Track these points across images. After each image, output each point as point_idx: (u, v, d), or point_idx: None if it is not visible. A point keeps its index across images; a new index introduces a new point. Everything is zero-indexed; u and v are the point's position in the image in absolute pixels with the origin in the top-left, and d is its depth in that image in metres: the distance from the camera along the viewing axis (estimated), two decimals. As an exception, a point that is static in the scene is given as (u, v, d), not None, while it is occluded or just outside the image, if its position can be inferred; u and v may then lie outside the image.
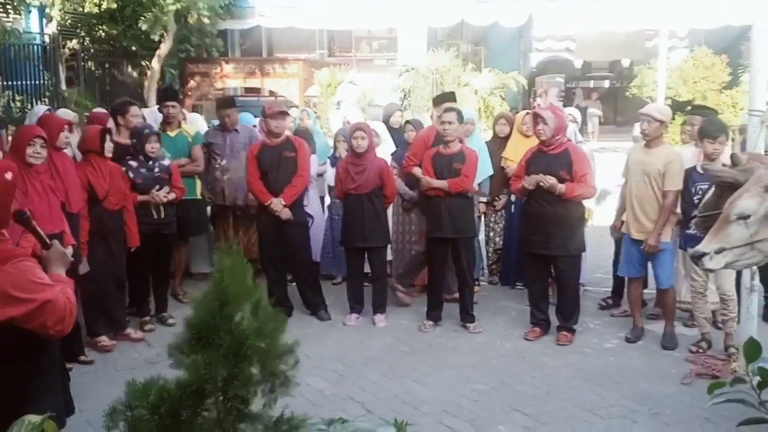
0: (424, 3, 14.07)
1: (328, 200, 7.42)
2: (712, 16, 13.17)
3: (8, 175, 2.61)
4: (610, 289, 6.72)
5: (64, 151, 5.25)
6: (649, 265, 5.76)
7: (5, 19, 10.60)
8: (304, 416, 1.95)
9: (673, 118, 12.82)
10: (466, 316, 6.11)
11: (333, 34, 17.51)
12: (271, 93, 14.99)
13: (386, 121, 7.59)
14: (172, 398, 1.78)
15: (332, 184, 7.10)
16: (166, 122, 6.80)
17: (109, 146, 5.49)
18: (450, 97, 6.63)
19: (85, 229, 5.30)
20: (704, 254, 3.39)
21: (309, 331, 6.03)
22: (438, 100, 6.63)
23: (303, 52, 17.19)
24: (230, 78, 14.72)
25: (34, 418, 1.75)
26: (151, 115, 7.23)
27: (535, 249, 5.69)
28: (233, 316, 1.79)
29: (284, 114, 6.36)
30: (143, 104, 11.30)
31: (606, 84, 23.90)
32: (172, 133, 6.75)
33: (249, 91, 14.69)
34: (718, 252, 3.37)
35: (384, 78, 14.43)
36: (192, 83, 14.13)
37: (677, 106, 13.87)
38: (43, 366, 2.72)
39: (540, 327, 5.87)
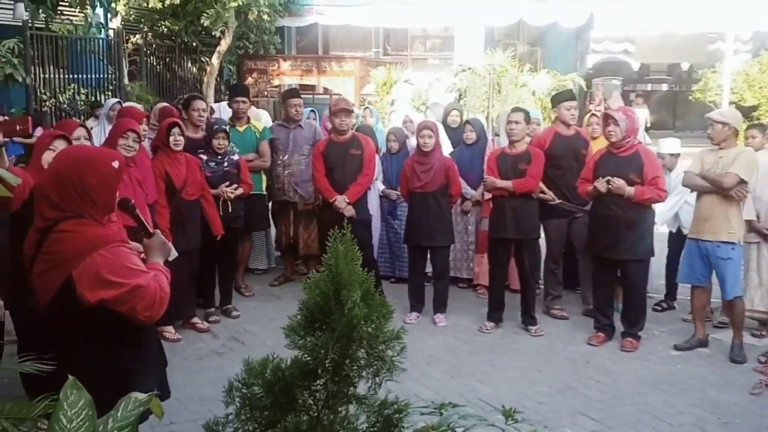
0: (482, 2, 14.00)
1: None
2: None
3: (115, 164, 2.69)
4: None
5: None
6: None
7: (71, 14, 10.86)
8: (407, 401, 1.99)
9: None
10: (528, 319, 6.08)
11: (389, 32, 17.57)
12: (326, 90, 15.12)
13: (443, 121, 7.59)
14: (286, 377, 1.83)
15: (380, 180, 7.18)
16: (236, 117, 6.91)
17: (176, 140, 5.58)
18: (568, 95, 6.57)
19: (166, 218, 5.44)
20: None
21: (370, 328, 6.05)
22: (557, 99, 6.57)
23: (358, 50, 17.29)
24: (287, 75, 14.86)
25: (141, 396, 1.81)
26: (221, 110, 7.35)
27: (603, 252, 5.62)
28: (346, 301, 1.83)
29: (348, 111, 6.41)
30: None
31: (664, 87, 23.57)
32: (240, 128, 6.86)
33: (304, 88, 14.80)
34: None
35: (439, 77, 14.40)
36: (249, 80, 14.30)
37: (742, 112, 13.58)
38: (145, 347, 2.80)
39: (604, 332, 5.80)
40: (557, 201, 6.27)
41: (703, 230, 5.42)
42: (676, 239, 6.50)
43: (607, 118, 5.50)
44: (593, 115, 6.86)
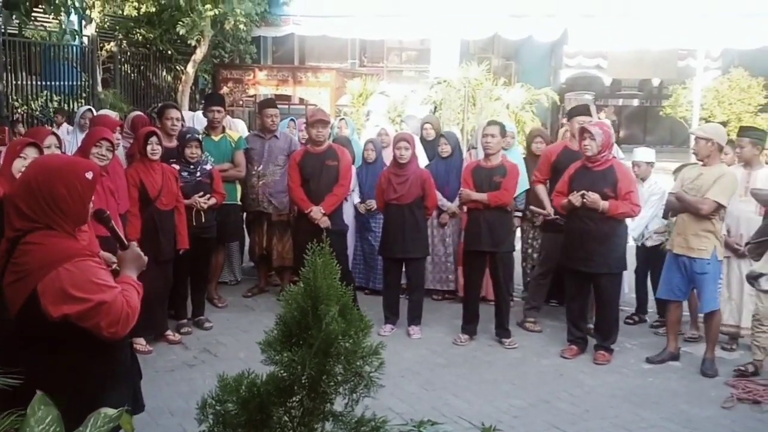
0: (458, 15, 14.09)
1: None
2: (748, 37, 13.09)
3: (89, 174, 2.63)
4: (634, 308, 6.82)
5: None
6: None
7: (44, 20, 10.74)
8: (384, 418, 1.97)
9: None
10: (502, 331, 6.09)
11: (365, 44, 17.62)
12: (301, 101, 15.09)
13: (419, 133, 7.61)
14: (261, 394, 1.81)
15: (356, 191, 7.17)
16: (211, 126, 6.86)
17: (153, 149, 5.53)
18: (583, 110, 6.41)
19: (137, 228, 5.37)
20: (762, 275, 3.37)
21: (345, 340, 6.03)
22: (572, 113, 6.46)
23: (334, 61, 17.31)
24: (262, 85, 14.81)
25: (111, 411, 1.77)
26: (195, 119, 7.30)
27: (576, 266, 5.65)
28: (324, 315, 1.81)
29: (325, 122, 6.40)
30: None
31: (635, 102, 23.89)
32: (216, 138, 6.81)
33: (280, 98, 14.76)
34: (776, 273, 3.35)
35: (415, 90, 14.45)
36: (225, 89, 14.22)
37: (711, 128, 13.82)
38: (117, 360, 2.74)
39: (577, 345, 5.83)
40: (552, 216, 6.28)
41: (679, 245, 5.46)
42: (643, 252, 6.59)
43: (583, 132, 5.54)
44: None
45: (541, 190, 6.38)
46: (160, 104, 13.05)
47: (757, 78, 13.39)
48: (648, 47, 14.68)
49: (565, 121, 13.42)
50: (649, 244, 6.49)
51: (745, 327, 5.72)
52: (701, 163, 5.46)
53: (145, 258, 2.86)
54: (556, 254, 6.35)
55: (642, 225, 6.44)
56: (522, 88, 13.88)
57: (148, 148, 5.51)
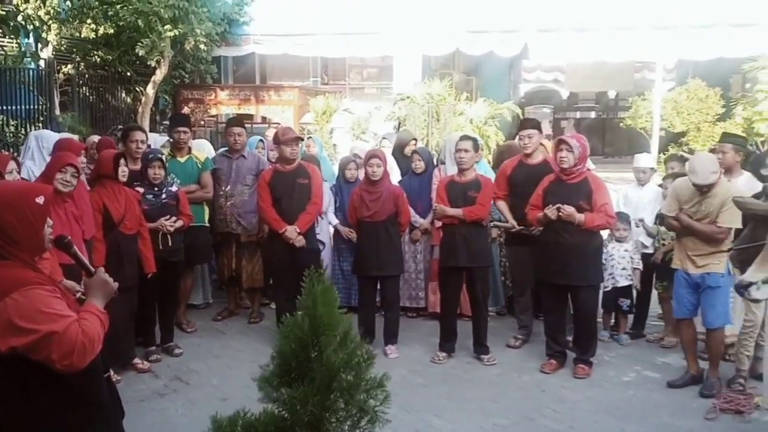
0: (420, 32, 14.10)
1: (331, 229, 7.32)
2: (702, 48, 13.31)
3: (40, 199, 2.50)
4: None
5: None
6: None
7: (2, 43, 10.46)
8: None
9: (667, 150, 13.02)
10: (480, 348, 6.02)
11: (327, 61, 17.52)
12: (264, 119, 14.93)
13: (401, 150, 7.54)
14: (260, 436, 1.69)
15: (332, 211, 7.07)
16: (176, 147, 6.71)
17: (123, 171, 5.40)
18: (534, 123, 6.42)
19: (102, 253, 5.19)
20: (751, 284, 3.34)
21: (321, 362, 5.90)
22: (522, 126, 6.45)
23: (296, 79, 17.18)
24: (224, 104, 14.59)
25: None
26: (155, 142, 7.14)
27: (553, 279, 5.61)
28: (326, 347, 1.70)
29: (299, 140, 6.30)
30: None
31: (592, 115, 24.20)
32: (181, 159, 6.66)
33: (242, 117, 14.58)
34: (766, 282, 3.32)
35: (378, 106, 14.40)
36: (186, 109, 13.95)
37: (671, 138, 14.01)
38: (89, 398, 2.57)
39: (556, 359, 5.78)
40: (517, 228, 6.24)
41: (692, 264, 5.26)
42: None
43: (560, 144, 5.51)
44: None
45: (502, 205, 6.31)
46: (120, 126, 12.90)
47: (714, 88, 13.60)
48: (605, 60, 14.82)
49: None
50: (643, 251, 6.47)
51: (728, 335, 5.71)
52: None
53: (114, 284, 2.71)
54: (525, 266, 6.33)
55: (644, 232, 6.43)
56: (484, 102, 13.93)
57: (119, 170, 5.35)
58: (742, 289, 3.38)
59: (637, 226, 6.43)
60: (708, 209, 5.14)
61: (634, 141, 19.62)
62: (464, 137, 6.05)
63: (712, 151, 6.21)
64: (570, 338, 5.98)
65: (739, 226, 4.83)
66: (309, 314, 1.71)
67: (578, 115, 24.15)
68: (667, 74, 15.73)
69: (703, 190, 5.12)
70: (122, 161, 5.43)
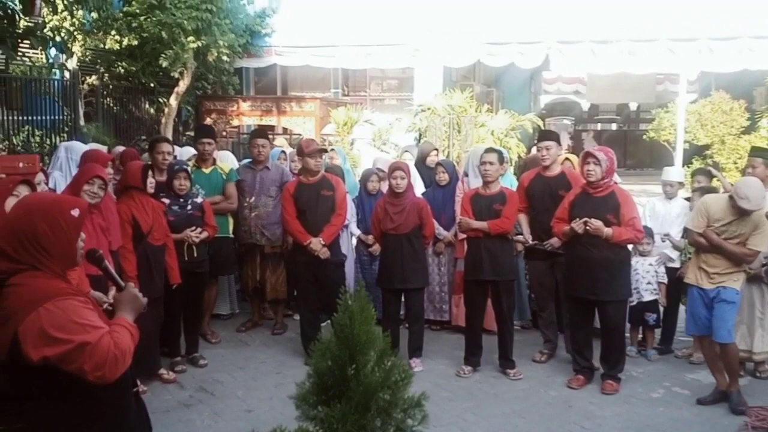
0: (441, 44, 14.10)
1: (353, 240, 7.30)
2: (725, 61, 13.20)
3: (75, 212, 2.50)
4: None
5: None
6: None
7: (29, 55, 10.58)
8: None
9: (691, 163, 12.90)
10: (506, 362, 5.96)
11: (347, 73, 17.57)
12: (285, 130, 14.97)
13: (422, 161, 7.52)
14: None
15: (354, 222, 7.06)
16: (201, 159, 6.74)
17: (150, 182, 5.43)
18: (552, 135, 6.40)
19: (133, 263, 5.22)
20: None
21: (345, 375, 5.88)
22: (541, 137, 6.44)
23: (317, 90, 17.24)
24: (246, 115, 14.65)
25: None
26: (183, 152, 7.17)
27: (581, 293, 5.54)
28: (363, 365, 1.67)
29: (322, 152, 6.29)
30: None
31: (613, 127, 24.08)
32: (206, 170, 6.68)
33: (263, 129, 14.64)
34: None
35: (399, 118, 14.41)
36: (208, 120, 14.03)
37: (695, 151, 13.89)
38: (120, 412, 2.55)
39: (584, 375, 5.71)
40: (532, 242, 6.20)
41: (706, 280, 5.21)
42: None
43: (587, 157, 5.45)
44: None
45: (522, 218, 6.24)
46: (143, 137, 13.00)
47: (738, 100, 13.47)
48: (626, 72, 14.73)
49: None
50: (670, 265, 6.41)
51: (758, 352, 5.61)
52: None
53: (144, 299, 2.71)
54: (545, 280, 6.27)
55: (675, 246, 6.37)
56: (506, 114, 13.89)
57: (148, 181, 5.38)
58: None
59: (663, 241, 6.36)
60: (740, 230, 5.06)
61: (656, 153, 19.53)
62: (489, 150, 6.01)
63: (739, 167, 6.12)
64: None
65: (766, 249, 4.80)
66: (346, 332, 1.67)
67: (599, 126, 24.09)
68: (689, 86, 15.62)
69: (744, 213, 5.03)
70: (150, 173, 5.45)
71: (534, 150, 6.57)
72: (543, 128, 16.39)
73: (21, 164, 3.69)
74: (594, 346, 5.79)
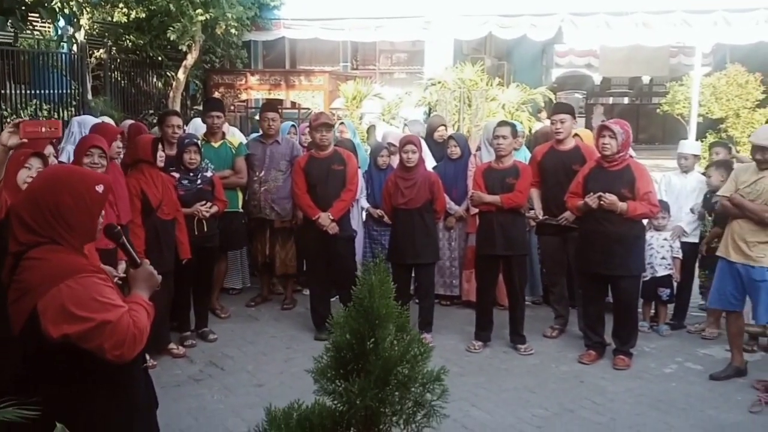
0: (452, 16, 13.93)
1: (363, 215, 7.25)
2: (740, 33, 12.99)
3: (99, 188, 2.46)
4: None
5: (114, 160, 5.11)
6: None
7: (39, 27, 10.50)
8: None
9: (705, 137, 12.75)
10: (517, 337, 5.93)
11: (357, 46, 17.40)
12: (293, 105, 14.88)
13: (430, 135, 7.44)
14: (315, 428, 1.62)
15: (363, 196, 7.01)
16: (210, 132, 6.67)
17: (161, 155, 5.38)
18: (567, 108, 6.29)
19: (141, 238, 5.18)
20: None
21: (355, 350, 5.86)
22: (555, 110, 6.32)
23: (326, 64, 17.08)
24: (254, 89, 14.54)
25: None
26: (193, 126, 7.11)
27: (594, 268, 5.48)
28: (382, 339, 1.63)
29: (330, 125, 6.21)
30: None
31: (625, 101, 23.86)
32: (215, 144, 6.62)
33: (275, 102, 14.55)
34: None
35: (409, 92, 14.28)
36: (216, 94, 13.94)
37: (709, 124, 13.73)
38: (130, 389, 2.53)
39: (595, 350, 5.67)
40: (542, 217, 6.13)
41: (736, 252, 5.11)
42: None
43: (603, 130, 5.36)
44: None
45: (534, 193, 6.15)
46: (151, 111, 12.94)
47: (754, 74, 13.27)
48: (640, 44, 14.53)
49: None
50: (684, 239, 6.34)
51: (771, 326, 5.56)
52: (761, 167, 5.05)
53: (159, 277, 2.67)
54: (557, 256, 6.22)
55: (693, 222, 6.31)
56: (517, 88, 13.75)
57: (158, 155, 5.33)
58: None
59: (693, 212, 6.27)
60: (762, 188, 4.97)
61: (668, 127, 19.34)
62: (502, 123, 5.93)
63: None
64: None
65: None
66: (365, 305, 1.63)
67: (611, 100, 23.86)
68: (704, 59, 15.41)
69: (761, 164, 4.97)
70: (160, 146, 5.40)
71: (549, 123, 6.45)
72: (554, 102, 16.30)
73: (44, 129, 3.62)
74: (606, 321, 5.76)
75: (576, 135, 6.40)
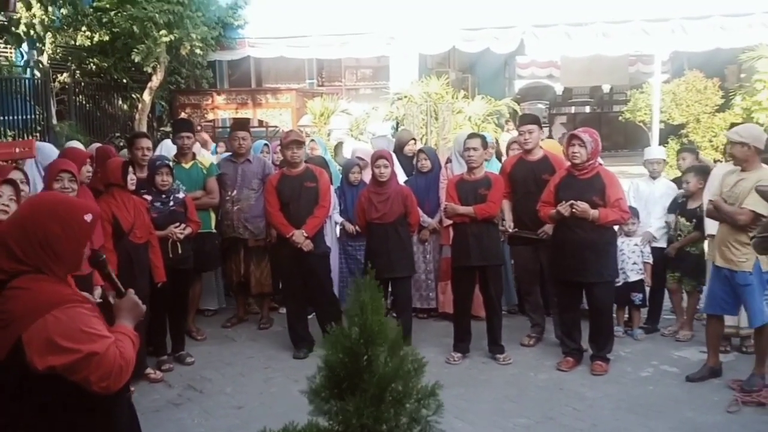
0: (416, 31, 14.05)
1: (337, 230, 7.26)
2: (697, 40, 13.29)
3: (88, 217, 2.43)
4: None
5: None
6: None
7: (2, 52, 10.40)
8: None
9: (667, 143, 12.99)
10: (495, 347, 5.97)
11: (322, 63, 17.46)
12: (261, 123, 14.87)
13: (400, 150, 7.48)
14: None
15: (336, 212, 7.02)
16: (180, 153, 6.63)
17: (131, 179, 5.33)
18: (533, 118, 6.36)
19: (113, 263, 5.09)
20: None
21: (335, 366, 5.85)
22: (522, 121, 6.38)
23: (292, 82, 17.13)
24: (221, 109, 14.55)
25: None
26: (164, 147, 7.06)
27: (569, 276, 5.55)
28: (376, 356, 1.64)
29: (300, 143, 6.21)
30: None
31: (587, 109, 24.24)
32: (186, 165, 6.58)
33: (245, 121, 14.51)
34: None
35: (376, 107, 14.36)
36: (183, 115, 13.91)
37: (671, 130, 14.00)
38: (115, 419, 2.50)
39: (573, 357, 5.73)
40: (513, 230, 6.20)
41: (721, 256, 5.15)
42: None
43: (572, 139, 5.45)
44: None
45: (505, 204, 6.21)
46: (117, 134, 12.83)
47: (712, 79, 13.59)
48: (600, 54, 14.80)
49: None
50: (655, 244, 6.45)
51: (744, 327, 5.66)
52: (740, 168, 5.12)
53: (143, 306, 2.65)
54: (530, 265, 6.28)
55: (661, 225, 6.41)
56: (482, 100, 13.90)
57: (129, 178, 5.28)
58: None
59: (669, 226, 6.37)
60: (739, 191, 5.03)
61: (630, 134, 19.69)
62: (473, 135, 5.99)
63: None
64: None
65: (765, 212, 4.74)
66: (358, 323, 1.64)
67: (573, 110, 24.24)
68: (662, 66, 15.74)
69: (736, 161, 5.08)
70: (130, 169, 5.36)
71: (516, 134, 6.52)
72: (518, 113, 16.47)
73: (17, 149, 3.57)
74: (582, 327, 5.83)
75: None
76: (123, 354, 2.33)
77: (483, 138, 6.00)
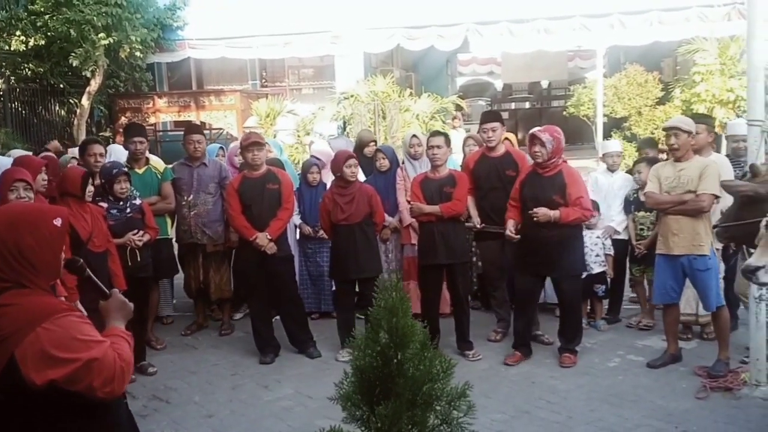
0: (360, 30, 14.01)
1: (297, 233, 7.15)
2: (634, 35, 13.62)
3: (57, 221, 2.32)
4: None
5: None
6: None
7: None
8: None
9: (611, 136, 13.25)
10: (464, 344, 5.96)
11: (265, 63, 17.24)
12: (205, 125, 14.60)
13: (360, 150, 7.41)
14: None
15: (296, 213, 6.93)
16: (133, 159, 6.43)
17: (90, 190, 5.13)
18: (496, 116, 6.37)
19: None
20: (758, 268, 3.34)
21: (304, 370, 5.77)
22: (485, 119, 6.33)
23: (234, 83, 16.85)
24: (163, 112, 14.23)
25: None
26: (118, 153, 6.84)
27: (537, 271, 5.59)
28: (407, 359, 1.58)
29: (261, 144, 6.08)
30: (73, 143, 10.75)
31: (527, 105, 24.58)
32: (140, 171, 6.39)
33: (181, 124, 14.21)
34: (773, 266, 3.33)
35: (322, 107, 14.26)
36: (123, 119, 13.55)
37: (613, 123, 14.29)
38: (117, 423, 2.40)
39: (522, 351, 5.77)
40: (480, 225, 6.21)
41: (674, 245, 5.24)
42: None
43: (534, 139, 5.48)
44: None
45: (469, 201, 6.20)
46: (55, 141, 12.38)
47: (651, 72, 13.92)
48: (542, 50, 15.02)
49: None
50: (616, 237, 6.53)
51: (702, 315, 5.79)
52: (674, 158, 5.27)
53: (131, 305, 2.56)
54: (496, 261, 6.31)
55: (621, 220, 6.49)
56: (429, 97, 13.94)
57: (87, 189, 5.08)
58: (750, 273, 3.37)
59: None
60: (686, 180, 5.16)
61: (572, 128, 20.00)
62: (436, 133, 5.99)
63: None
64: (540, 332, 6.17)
65: (719, 194, 4.93)
66: (387, 326, 1.58)
67: (513, 105, 24.50)
68: (599, 61, 16.09)
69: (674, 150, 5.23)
70: (89, 179, 5.15)
71: (479, 132, 6.52)
72: (464, 109, 16.62)
73: None
74: (546, 320, 5.87)
75: (506, 139, 6.52)
76: (121, 356, 2.26)
77: (446, 135, 5.99)
